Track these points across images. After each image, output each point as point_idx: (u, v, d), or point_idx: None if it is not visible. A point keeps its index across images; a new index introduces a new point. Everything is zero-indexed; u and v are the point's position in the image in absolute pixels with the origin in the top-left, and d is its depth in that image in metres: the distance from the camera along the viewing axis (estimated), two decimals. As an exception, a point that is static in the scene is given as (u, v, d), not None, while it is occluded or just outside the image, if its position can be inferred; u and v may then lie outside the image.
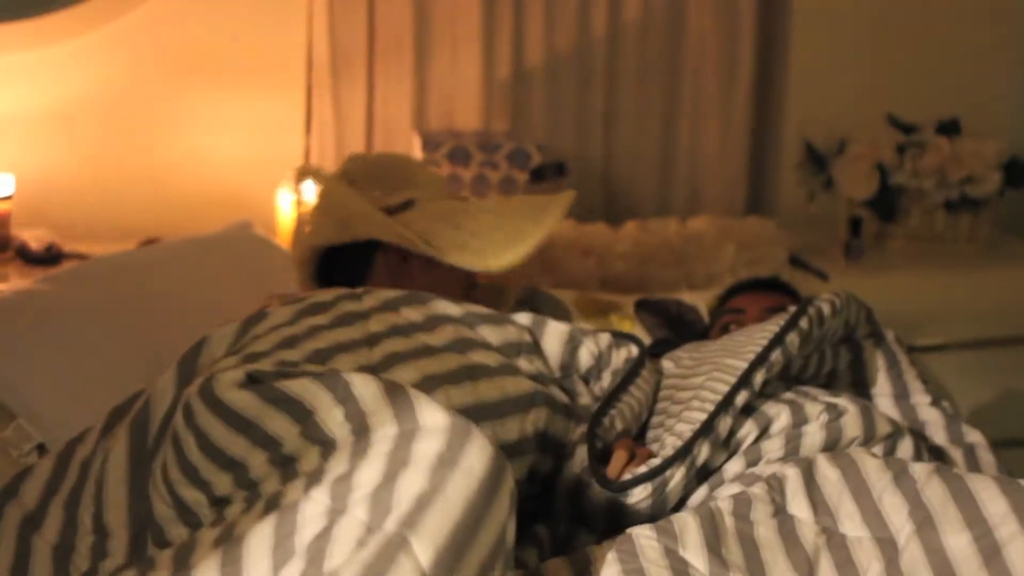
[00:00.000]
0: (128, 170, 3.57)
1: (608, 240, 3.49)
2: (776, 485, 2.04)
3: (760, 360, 2.25)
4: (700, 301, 3.11)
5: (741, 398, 2.19)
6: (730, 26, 3.92)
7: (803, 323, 2.32)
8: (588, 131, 3.88)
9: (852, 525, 1.97)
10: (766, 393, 2.30)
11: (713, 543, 1.91)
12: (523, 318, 2.27)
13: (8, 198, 3.29)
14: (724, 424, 2.16)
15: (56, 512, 1.94)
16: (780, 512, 2.00)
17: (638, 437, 2.28)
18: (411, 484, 1.56)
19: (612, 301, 3.23)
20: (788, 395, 2.30)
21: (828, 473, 2.06)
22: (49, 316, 2.72)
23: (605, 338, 2.30)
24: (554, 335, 2.27)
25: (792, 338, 2.30)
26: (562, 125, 3.85)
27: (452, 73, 3.74)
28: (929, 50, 4.01)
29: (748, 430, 2.21)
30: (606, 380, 2.28)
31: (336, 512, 1.58)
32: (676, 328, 3.01)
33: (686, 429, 2.14)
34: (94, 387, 2.52)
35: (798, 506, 2.02)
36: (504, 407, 2.02)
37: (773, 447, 2.17)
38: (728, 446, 2.17)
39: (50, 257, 3.27)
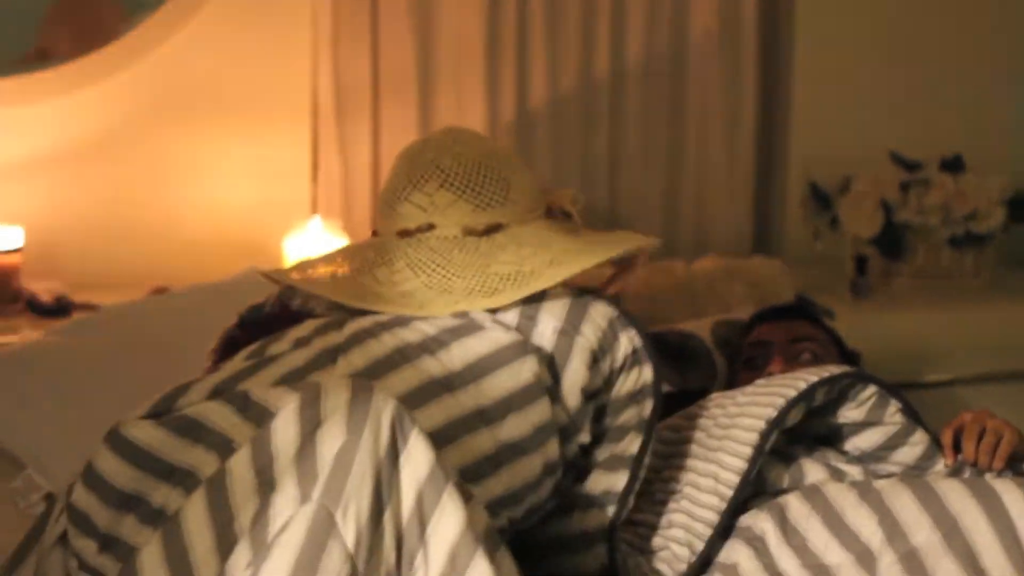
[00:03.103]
0: (135, 217, 3.57)
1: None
2: (760, 546, 2.08)
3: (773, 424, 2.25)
4: (702, 329, 3.10)
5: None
6: (733, 67, 3.93)
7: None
8: (593, 173, 3.88)
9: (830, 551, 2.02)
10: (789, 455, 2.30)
11: None
12: (547, 332, 2.16)
13: (17, 250, 3.30)
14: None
15: None
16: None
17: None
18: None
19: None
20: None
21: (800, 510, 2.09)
22: (59, 367, 2.74)
23: (623, 349, 2.20)
24: (580, 361, 2.16)
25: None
26: (566, 167, 3.86)
27: (457, 118, 3.74)
28: (931, 87, 4.02)
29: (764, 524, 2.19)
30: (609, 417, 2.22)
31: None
32: (679, 360, 2.99)
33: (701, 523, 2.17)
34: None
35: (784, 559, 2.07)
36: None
37: None
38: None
39: (60, 308, 3.28)
